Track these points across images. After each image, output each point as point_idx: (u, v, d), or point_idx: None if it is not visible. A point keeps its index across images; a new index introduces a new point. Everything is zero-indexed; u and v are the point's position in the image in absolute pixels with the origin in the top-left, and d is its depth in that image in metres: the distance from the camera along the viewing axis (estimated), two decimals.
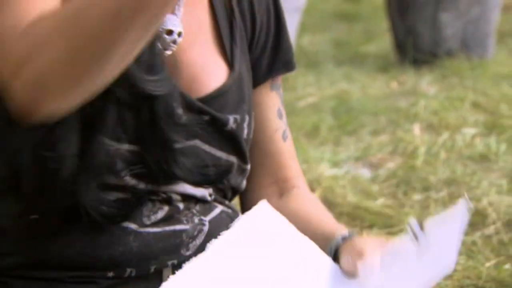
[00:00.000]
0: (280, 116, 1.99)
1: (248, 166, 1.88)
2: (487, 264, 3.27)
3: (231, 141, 1.79)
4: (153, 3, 1.25)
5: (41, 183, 1.64)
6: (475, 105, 4.64)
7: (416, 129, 4.26)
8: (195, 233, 1.80)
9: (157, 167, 1.71)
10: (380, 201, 3.67)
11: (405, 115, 4.52)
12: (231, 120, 1.79)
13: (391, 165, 3.94)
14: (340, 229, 1.80)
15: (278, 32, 1.98)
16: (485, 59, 5.60)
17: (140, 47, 1.33)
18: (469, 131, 4.30)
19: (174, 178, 1.74)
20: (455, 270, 3.08)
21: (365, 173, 3.86)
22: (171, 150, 1.68)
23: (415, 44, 5.70)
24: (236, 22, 1.90)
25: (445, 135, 4.20)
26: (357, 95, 4.83)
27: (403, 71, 5.49)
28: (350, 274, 1.64)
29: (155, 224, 1.76)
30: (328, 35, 6.75)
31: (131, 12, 1.26)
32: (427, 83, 5.12)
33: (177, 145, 1.68)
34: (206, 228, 1.82)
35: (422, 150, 4.01)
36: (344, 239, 1.72)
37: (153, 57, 1.65)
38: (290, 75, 2.32)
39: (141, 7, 1.25)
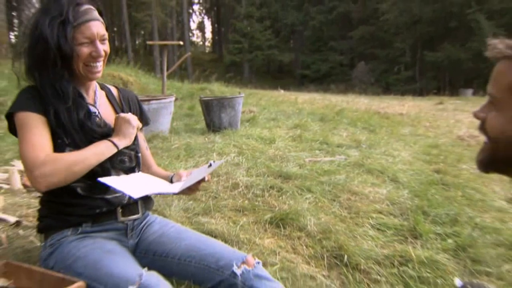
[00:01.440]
0: (144, 141, 2.00)
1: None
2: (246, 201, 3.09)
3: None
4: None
5: None
6: (234, 146, 4.57)
7: (214, 154, 4.17)
8: None
9: None
10: None
11: (211, 150, 4.34)
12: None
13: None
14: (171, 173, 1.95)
15: (142, 111, 2.02)
16: (237, 130, 5.56)
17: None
18: (232, 155, 4.19)
19: None
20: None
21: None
22: None
23: (213, 124, 5.57)
24: (123, 108, 1.94)
25: (224, 157, 4.09)
26: (194, 144, 4.72)
27: (210, 134, 5.34)
28: (176, 180, 1.83)
29: None
30: (182, 122, 6.49)
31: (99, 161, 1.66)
32: (218, 138, 4.93)
33: None
34: None
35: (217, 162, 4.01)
36: (174, 174, 1.87)
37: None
38: None
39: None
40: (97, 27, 1.71)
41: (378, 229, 2.90)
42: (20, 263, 1.63)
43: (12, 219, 2.42)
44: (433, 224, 3.00)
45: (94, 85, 1.89)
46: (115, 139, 1.73)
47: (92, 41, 1.71)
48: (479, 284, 1.25)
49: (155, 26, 37.41)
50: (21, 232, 2.29)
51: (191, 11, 54.82)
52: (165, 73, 8.04)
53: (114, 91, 1.99)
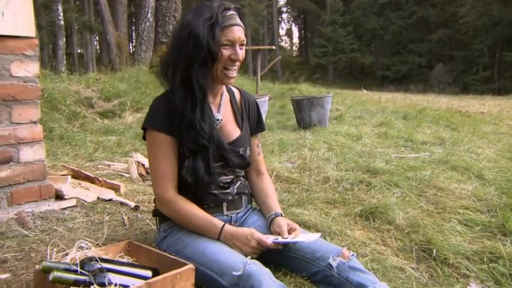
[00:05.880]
0: (258, 146, 1.88)
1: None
2: (336, 194, 3.18)
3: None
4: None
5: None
6: (324, 142, 4.43)
7: (306, 150, 4.06)
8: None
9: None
10: (295, 174, 3.42)
11: (302, 146, 4.25)
12: (242, 149, 1.76)
13: (298, 162, 3.67)
14: (276, 208, 1.80)
15: (259, 117, 1.89)
16: (326, 127, 5.40)
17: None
18: (322, 150, 4.05)
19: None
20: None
21: (289, 165, 3.63)
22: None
23: (304, 122, 5.48)
24: (243, 114, 1.82)
25: (315, 152, 3.98)
26: (286, 139, 4.66)
27: (300, 131, 5.25)
28: (274, 233, 1.71)
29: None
30: (275, 120, 6.45)
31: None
32: (308, 135, 4.83)
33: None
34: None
35: (308, 156, 3.81)
36: (275, 214, 1.76)
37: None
38: None
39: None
40: (240, 31, 1.66)
41: (465, 224, 2.66)
42: (140, 244, 1.67)
43: (132, 204, 2.50)
44: None
45: (223, 89, 1.83)
46: (224, 236, 1.64)
47: (233, 45, 1.66)
48: None
49: (248, 33, 37.80)
50: (139, 215, 2.35)
51: (280, 19, 54.91)
52: (259, 75, 8.06)
53: (237, 94, 1.91)
